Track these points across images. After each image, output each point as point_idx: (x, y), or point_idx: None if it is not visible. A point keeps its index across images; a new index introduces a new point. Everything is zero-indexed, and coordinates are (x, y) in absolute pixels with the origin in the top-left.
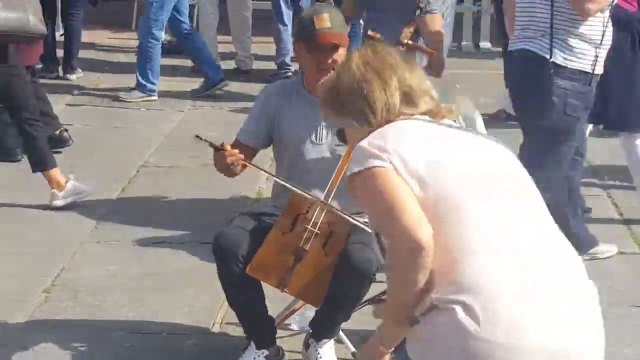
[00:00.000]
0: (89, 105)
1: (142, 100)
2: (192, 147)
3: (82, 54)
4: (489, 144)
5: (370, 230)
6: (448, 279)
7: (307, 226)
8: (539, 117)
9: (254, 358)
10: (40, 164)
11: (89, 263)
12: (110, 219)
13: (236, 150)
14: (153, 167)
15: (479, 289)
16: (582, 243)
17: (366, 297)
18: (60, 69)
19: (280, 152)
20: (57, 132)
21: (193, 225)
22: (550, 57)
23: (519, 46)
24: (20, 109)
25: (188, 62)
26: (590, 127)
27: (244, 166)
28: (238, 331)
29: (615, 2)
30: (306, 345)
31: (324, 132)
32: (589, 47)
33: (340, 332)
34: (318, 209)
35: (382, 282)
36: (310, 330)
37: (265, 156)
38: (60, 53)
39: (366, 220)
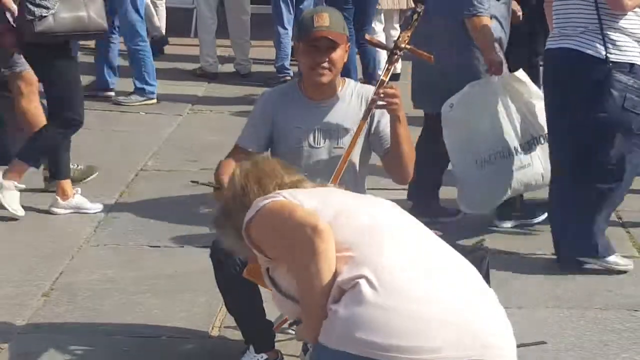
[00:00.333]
0: (88, 109)
1: (141, 104)
2: (191, 151)
3: (82, 57)
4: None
5: None
6: (347, 267)
7: None
8: (596, 113)
9: None
10: (59, 174)
11: (88, 267)
12: (109, 223)
13: None
14: (152, 171)
15: (376, 263)
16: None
17: None
18: None
19: (277, 156)
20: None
21: (192, 230)
22: (601, 53)
23: (560, 44)
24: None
25: (187, 66)
26: None
27: None
28: (237, 335)
29: None
30: (304, 349)
31: (322, 135)
32: (631, 41)
33: None
34: None
35: None
36: None
37: None
38: None
39: None
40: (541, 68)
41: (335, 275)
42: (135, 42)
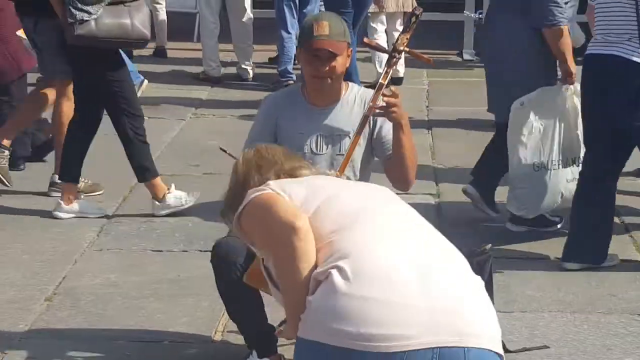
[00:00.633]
0: None
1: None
2: (194, 155)
3: None
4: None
5: None
6: (325, 257)
7: None
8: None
9: None
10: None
11: (91, 271)
12: (111, 227)
13: None
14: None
15: (351, 253)
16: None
17: None
18: None
19: None
20: (50, 135)
21: (194, 234)
22: None
23: (605, 51)
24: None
25: (190, 70)
26: None
27: None
28: (239, 339)
29: None
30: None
31: (324, 141)
32: None
33: None
34: None
35: None
36: None
37: None
38: None
39: None
40: None
41: (314, 268)
42: None
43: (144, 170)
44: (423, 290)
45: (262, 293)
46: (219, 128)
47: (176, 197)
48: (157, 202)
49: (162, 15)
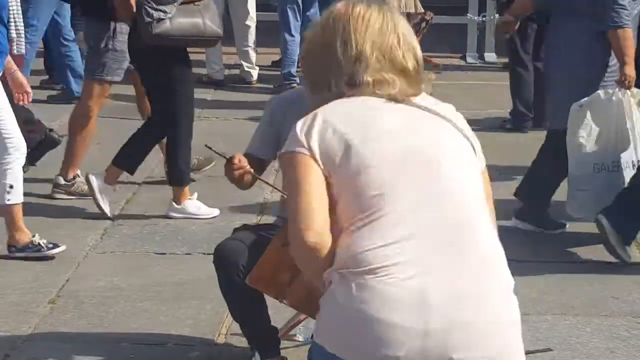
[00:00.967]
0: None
1: None
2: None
3: None
4: (433, 131)
5: None
6: (338, 255)
7: None
8: None
9: None
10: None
11: (94, 274)
12: (115, 230)
13: (245, 163)
14: (158, 179)
15: (360, 263)
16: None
17: None
18: None
19: None
20: (44, 135)
21: (197, 237)
22: None
23: None
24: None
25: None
26: None
27: (255, 178)
28: (243, 342)
29: None
30: (310, 357)
31: None
32: None
33: None
34: None
35: None
36: None
37: (271, 167)
38: None
39: None
40: None
41: (331, 251)
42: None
43: (183, 175)
44: (421, 308)
45: (265, 295)
46: (222, 130)
47: (195, 205)
48: (175, 205)
49: None
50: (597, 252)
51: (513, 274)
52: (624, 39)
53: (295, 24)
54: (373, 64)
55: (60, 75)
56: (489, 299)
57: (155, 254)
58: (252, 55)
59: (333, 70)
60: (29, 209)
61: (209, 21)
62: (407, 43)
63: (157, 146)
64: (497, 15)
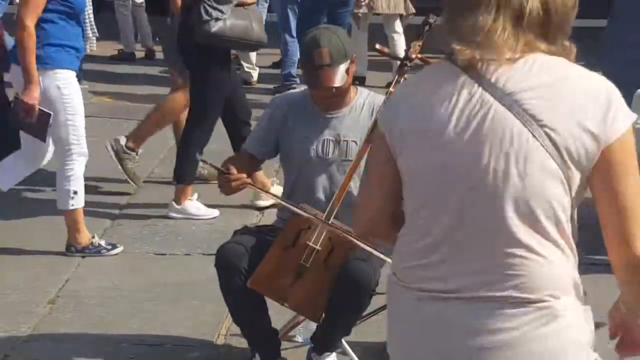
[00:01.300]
0: (94, 116)
1: None
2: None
3: (87, 65)
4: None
5: (370, 249)
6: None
7: (308, 242)
8: None
9: None
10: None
11: (94, 274)
12: (114, 230)
13: (242, 175)
14: (158, 179)
15: (402, 272)
16: None
17: (368, 310)
18: None
19: (286, 165)
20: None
21: (197, 237)
22: None
23: None
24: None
25: None
26: None
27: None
28: (243, 343)
29: None
30: (309, 357)
31: (331, 146)
32: None
33: (345, 344)
34: (320, 226)
35: (384, 293)
36: (312, 345)
37: (270, 167)
38: None
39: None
40: None
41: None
42: None
43: (185, 175)
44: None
45: (265, 297)
46: (223, 131)
47: (196, 206)
48: (175, 205)
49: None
50: (598, 254)
51: None
52: None
53: (295, 24)
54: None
55: None
56: None
57: (155, 255)
58: (253, 55)
59: None
60: (29, 209)
61: (256, 26)
62: None
63: (153, 148)
64: None
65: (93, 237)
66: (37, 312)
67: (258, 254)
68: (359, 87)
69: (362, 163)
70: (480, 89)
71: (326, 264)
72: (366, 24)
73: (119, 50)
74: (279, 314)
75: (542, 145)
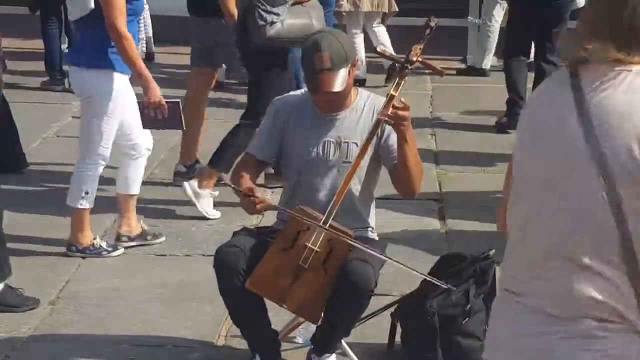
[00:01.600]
0: None
1: None
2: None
3: None
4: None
5: (369, 251)
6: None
7: (307, 244)
8: None
9: None
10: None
11: (94, 275)
12: (115, 231)
13: (262, 195)
14: (158, 180)
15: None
16: None
17: (368, 311)
18: (66, 81)
19: (287, 166)
20: None
21: (197, 238)
22: None
23: None
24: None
25: None
26: None
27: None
28: (243, 344)
29: None
30: (309, 358)
31: (332, 148)
32: None
33: (345, 345)
34: (318, 227)
35: (386, 294)
36: (312, 346)
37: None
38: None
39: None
40: None
41: None
42: None
43: (221, 162)
44: None
45: (265, 299)
46: (223, 132)
47: (208, 202)
48: (196, 185)
49: (147, 19)
50: None
51: None
52: None
53: None
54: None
55: None
56: None
57: (155, 256)
58: None
59: None
60: (29, 210)
61: (316, 21)
62: None
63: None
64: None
65: (95, 238)
66: (38, 313)
67: (257, 255)
68: (359, 89)
69: (362, 164)
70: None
71: (325, 265)
72: (359, 23)
73: None
74: (278, 315)
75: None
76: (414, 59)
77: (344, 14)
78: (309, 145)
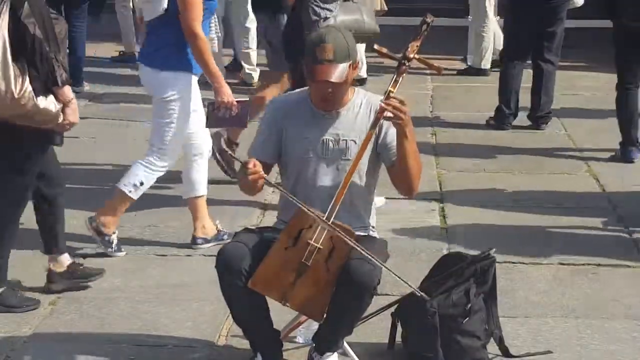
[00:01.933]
0: (94, 117)
1: None
2: None
3: (88, 67)
4: None
5: (366, 254)
6: None
7: (309, 241)
8: None
9: None
10: None
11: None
12: (115, 231)
13: (259, 168)
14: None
15: None
16: None
17: (368, 311)
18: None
19: (285, 165)
20: None
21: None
22: None
23: None
24: None
25: None
26: None
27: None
28: (244, 343)
29: None
30: (310, 359)
31: (330, 145)
32: None
33: (345, 345)
34: (321, 225)
35: (386, 294)
36: (314, 344)
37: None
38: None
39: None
40: None
41: None
42: None
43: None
44: None
45: (268, 298)
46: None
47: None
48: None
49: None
50: (598, 254)
51: (514, 276)
52: None
53: None
54: None
55: None
56: None
57: (155, 256)
58: (253, 56)
59: None
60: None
61: (367, 17)
62: None
63: None
64: (497, 17)
65: (114, 232)
66: (38, 313)
67: (259, 254)
68: (356, 87)
69: (362, 161)
70: None
71: (327, 263)
72: None
73: (120, 52)
74: (279, 315)
75: None
76: (411, 55)
77: None
78: (308, 144)
